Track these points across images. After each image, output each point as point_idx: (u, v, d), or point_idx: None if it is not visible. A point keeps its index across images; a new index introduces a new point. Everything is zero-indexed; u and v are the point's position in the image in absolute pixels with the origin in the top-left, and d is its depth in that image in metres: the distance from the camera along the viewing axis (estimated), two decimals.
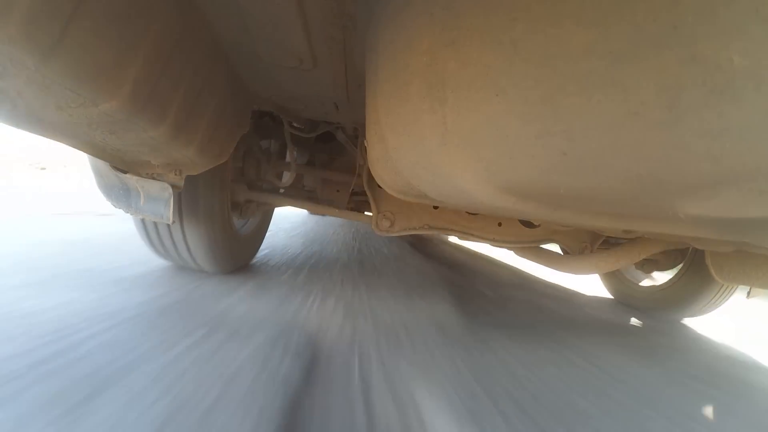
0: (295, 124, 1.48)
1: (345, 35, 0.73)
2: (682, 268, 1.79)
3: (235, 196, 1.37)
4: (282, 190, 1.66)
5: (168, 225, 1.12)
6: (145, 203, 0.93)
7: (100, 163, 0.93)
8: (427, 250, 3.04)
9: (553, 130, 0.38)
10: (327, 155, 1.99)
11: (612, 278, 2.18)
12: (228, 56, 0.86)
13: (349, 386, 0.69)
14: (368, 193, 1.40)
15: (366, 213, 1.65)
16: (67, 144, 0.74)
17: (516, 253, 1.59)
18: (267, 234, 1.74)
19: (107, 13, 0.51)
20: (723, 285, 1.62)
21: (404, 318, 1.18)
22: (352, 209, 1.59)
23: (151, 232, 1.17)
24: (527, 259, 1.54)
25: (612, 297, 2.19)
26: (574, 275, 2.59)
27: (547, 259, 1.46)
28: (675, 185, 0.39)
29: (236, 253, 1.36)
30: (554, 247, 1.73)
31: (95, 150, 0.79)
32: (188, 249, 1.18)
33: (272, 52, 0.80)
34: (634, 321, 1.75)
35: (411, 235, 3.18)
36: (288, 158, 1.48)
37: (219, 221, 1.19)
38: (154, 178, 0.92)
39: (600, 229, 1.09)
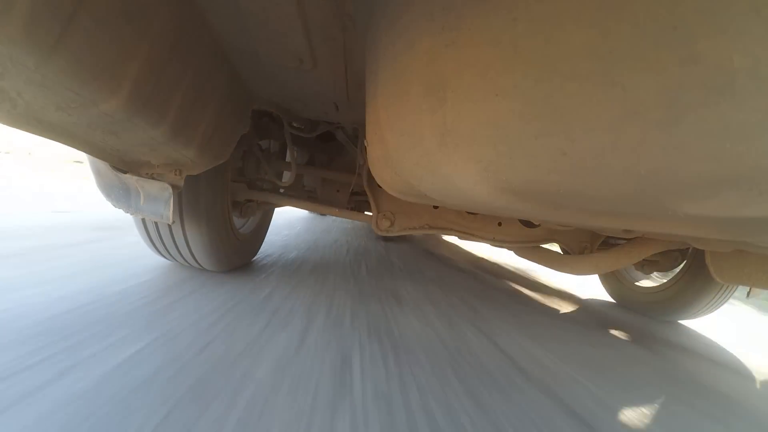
0: (295, 124, 1.48)
1: (345, 35, 0.73)
2: (681, 269, 1.79)
3: (235, 195, 1.37)
4: (282, 190, 1.66)
5: (169, 224, 1.13)
6: (145, 203, 0.93)
7: (100, 163, 0.93)
8: None
9: (553, 130, 0.38)
10: (327, 155, 1.99)
11: (611, 279, 2.18)
12: (228, 56, 0.86)
13: None
14: (368, 193, 1.40)
15: (366, 213, 1.65)
16: (67, 144, 0.74)
17: (516, 252, 1.59)
18: None
19: (107, 13, 0.51)
20: (722, 286, 1.62)
21: None
22: (352, 209, 1.59)
23: (151, 231, 1.17)
24: (527, 258, 1.54)
25: (611, 298, 2.19)
26: (573, 275, 2.59)
27: (547, 259, 1.46)
28: (675, 185, 0.39)
29: (237, 252, 1.37)
30: (554, 247, 1.73)
31: (95, 150, 0.79)
32: (189, 248, 1.18)
33: (272, 52, 0.80)
34: (632, 322, 1.75)
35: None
36: (288, 158, 1.49)
37: (219, 220, 1.19)
38: (154, 178, 0.92)
39: (600, 229, 1.09)
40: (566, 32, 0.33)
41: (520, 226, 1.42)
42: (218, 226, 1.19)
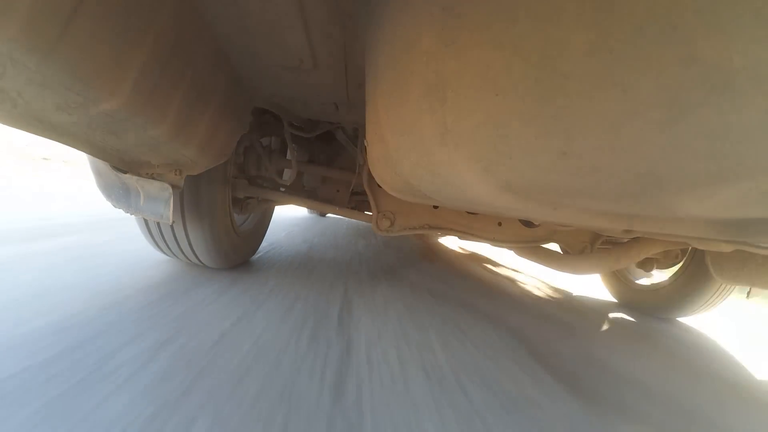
0: (295, 124, 1.48)
1: (345, 35, 0.73)
2: (681, 266, 1.79)
3: (235, 191, 1.37)
4: (282, 189, 1.66)
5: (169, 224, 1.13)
6: (145, 203, 0.93)
7: (100, 163, 0.93)
8: None
9: (553, 130, 0.38)
10: (327, 155, 1.99)
11: (610, 276, 2.18)
12: (228, 56, 0.86)
13: None
14: (368, 192, 1.40)
15: (366, 212, 1.65)
16: (67, 144, 0.74)
17: (516, 252, 1.59)
18: None
19: (107, 13, 0.51)
20: (721, 284, 1.62)
21: None
22: (352, 209, 1.59)
23: (152, 228, 1.17)
24: (527, 258, 1.54)
25: (611, 295, 2.19)
26: (573, 275, 2.59)
27: (547, 258, 1.46)
28: (675, 185, 0.39)
29: (237, 249, 1.37)
30: (554, 247, 1.72)
31: (95, 150, 0.79)
32: (190, 244, 1.18)
33: (272, 52, 0.80)
34: (632, 319, 1.75)
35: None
36: (289, 155, 1.48)
37: (220, 217, 1.19)
38: (154, 178, 0.92)
39: (600, 229, 1.09)
40: (566, 32, 0.33)
41: (520, 226, 1.42)
42: (219, 222, 1.19)
